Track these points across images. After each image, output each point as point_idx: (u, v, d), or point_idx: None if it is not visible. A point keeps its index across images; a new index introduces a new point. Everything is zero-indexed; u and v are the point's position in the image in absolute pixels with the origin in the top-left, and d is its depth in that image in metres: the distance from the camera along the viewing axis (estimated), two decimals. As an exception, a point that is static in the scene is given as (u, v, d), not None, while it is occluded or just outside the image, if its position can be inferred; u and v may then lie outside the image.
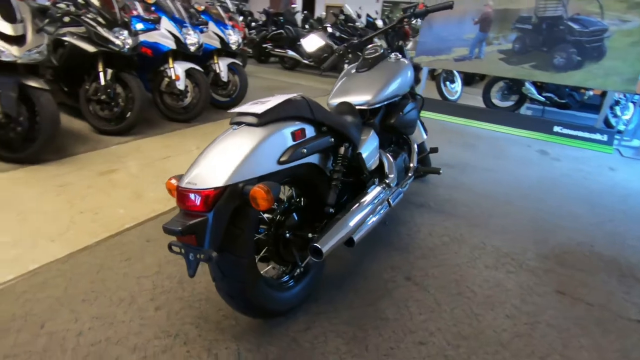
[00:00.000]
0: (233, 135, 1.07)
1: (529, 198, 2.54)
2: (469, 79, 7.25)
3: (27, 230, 1.78)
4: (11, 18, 2.27)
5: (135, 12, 3.78)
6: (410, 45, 5.51)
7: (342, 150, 1.37)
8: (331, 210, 1.32)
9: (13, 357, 1.14)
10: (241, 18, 8.11)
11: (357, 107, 1.66)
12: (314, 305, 1.44)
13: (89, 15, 2.88)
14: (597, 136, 3.96)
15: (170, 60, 3.38)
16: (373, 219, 1.49)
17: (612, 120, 4.47)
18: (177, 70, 3.39)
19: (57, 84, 3.19)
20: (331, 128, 1.31)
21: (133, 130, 3.18)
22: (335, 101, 1.71)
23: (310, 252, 1.18)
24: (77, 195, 2.13)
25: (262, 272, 1.24)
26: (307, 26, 8.79)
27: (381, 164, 1.69)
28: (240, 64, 4.24)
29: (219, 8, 4.27)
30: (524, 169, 3.11)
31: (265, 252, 1.27)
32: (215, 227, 0.97)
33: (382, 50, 1.91)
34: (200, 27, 3.91)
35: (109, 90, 2.95)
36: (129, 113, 3.06)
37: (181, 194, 0.98)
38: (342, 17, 7.31)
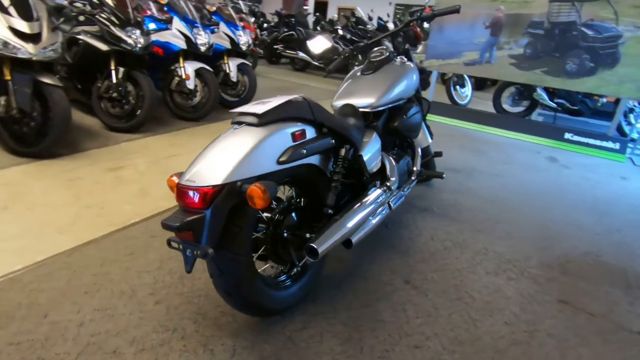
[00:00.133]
0: (233, 135, 1.09)
1: (535, 205, 2.50)
2: (481, 84, 7.18)
3: (36, 222, 1.83)
4: (28, 16, 2.34)
5: (149, 12, 3.86)
6: (420, 48, 5.49)
7: (342, 152, 1.38)
8: (330, 211, 1.33)
9: (16, 345, 1.17)
10: (253, 19, 8.18)
11: (360, 110, 1.67)
12: (311, 305, 1.45)
13: (103, 15, 2.95)
14: (610, 144, 3.89)
15: (181, 60, 3.44)
16: (373, 221, 1.49)
17: (626, 128, 4.38)
18: (187, 69, 3.44)
19: (71, 81, 3.28)
20: (332, 130, 1.32)
21: (142, 128, 3.24)
22: (339, 103, 1.72)
23: (306, 251, 1.19)
24: (85, 190, 2.18)
25: (259, 271, 1.25)
26: (318, 28, 8.83)
27: (383, 166, 1.70)
28: (250, 64, 4.28)
29: (230, 9, 4.33)
30: (531, 175, 3.07)
31: (263, 251, 1.29)
32: (212, 224, 0.99)
33: (387, 53, 1.92)
34: (212, 27, 3.96)
35: (120, 88, 3.01)
36: (139, 111, 3.11)
37: (180, 191, 1.00)
38: (353, 19, 7.32)
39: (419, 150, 2.10)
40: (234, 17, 4.20)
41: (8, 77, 2.30)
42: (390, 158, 1.76)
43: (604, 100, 4.66)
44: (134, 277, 1.51)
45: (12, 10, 2.29)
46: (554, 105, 4.65)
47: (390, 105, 1.79)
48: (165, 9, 3.61)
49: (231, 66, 3.97)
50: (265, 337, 1.29)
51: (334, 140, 1.33)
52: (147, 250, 1.69)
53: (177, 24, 3.50)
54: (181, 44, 3.45)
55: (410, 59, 2.08)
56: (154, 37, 3.32)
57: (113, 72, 2.99)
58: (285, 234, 1.29)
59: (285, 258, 1.33)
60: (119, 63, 3.02)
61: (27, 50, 2.29)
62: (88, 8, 3.02)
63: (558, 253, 1.96)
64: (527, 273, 1.77)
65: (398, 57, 2.00)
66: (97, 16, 2.94)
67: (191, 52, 3.53)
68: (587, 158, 3.74)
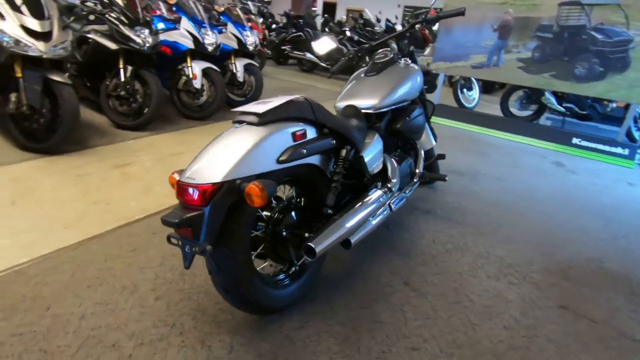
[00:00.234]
0: (234, 133, 1.10)
1: (539, 209, 2.48)
2: (489, 87, 7.14)
3: (44, 216, 1.86)
4: (40, 15, 2.39)
5: (158, 12, 3.91)
6: (428, 50, 5.48)
7: (343, 152, 1.39)
8: (329, 211, 1.33)
9: (19, 336, 1.20)
10: (261, 20, 8.23)
11: (363, 111, 1.68)
12: (310, 304, 1.46)
13: (112, 14, 2.99)
14: (619, 150, 3.84)
15: (188, 59, 3.48)
16: (373, 222, 1.50)
17: (636, 134, 4.33)
18: (195, 69, 3.48)
19: (81, 79, 3.34)
20: (333, 130, 1.33)
21: (149, 126, 3.28)
22: (342, 104, 1.73)
23: (304, 250, 1.20)
24: (92, 186, 2.22)
25: (258, 269, 1.26)
26: (326, 29, 8.85)
27: (385, 168, 1.70)
28: (257, 64, 4.31)
29: (239, 10, 4.36)
30: (536, 179, 3.04)
31: (262, 249, 1.30)
32: (211, 221, 1.00)
33: (391, 55, 1.92)
34: (219, 27, 4.00)
35: (128, 86, 3.06)
36: (146, 109, 3.15)
37: (180, 188, 1.01)
38: (361, 21, 7.33)
39: (422, 152, 2.10)
40: (242, 18, 4.24)
41: (19, 74, 2.34)
42: (392, 159, 1.76)
43: (614, 105, 4.60)
44: (136, 273, 1.54)
45: (24, 9, 2.34)
46: (562, 109, 4.60)
47: (393, 107, 1.79)
48: (174, 9, 3.65)
49: (238, 66, 4.00)
50: (263, 335, 1.30)
51: (334, 141, 1.34)
52: (149, 247, 1.71)
53: (185, 24, 3.54)
54: (189, 43, 3.48)
55: (414, 61, 2.08)
56: (162, 36, 3.36)
57: (121, 71, 3.03)
58: (284, 233, 1.30)
59: (284, 257, 1.34)
60: (128, 62, 3.06)
61: (38, 48, 2.34)
62: (99, 7, 3.07)
63: (561, 258, 1.94)
64: (528, 278, 1.75)
65: (402, 59, 2.00)
66: (106, 15, 2.99)
67: (199, 51, 3.56)
68: (595, 163, 3.70)
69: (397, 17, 11.58)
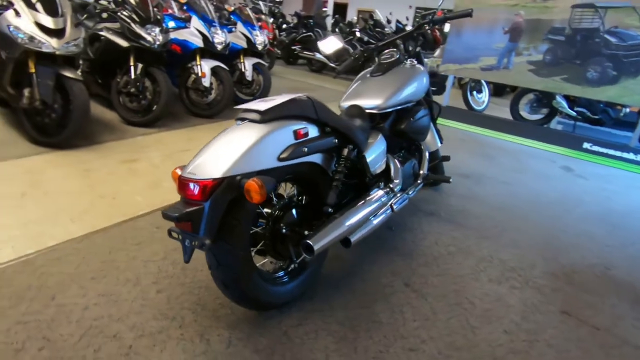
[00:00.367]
0: (235, 130, 1.12)
1: (545, 214, 2.45)
2: (499, 90, 7.06)
3: (51, 209, 1.91)
4: (53, 12, 2.45)
5: (170, 11, 3.96)
6: (437, 52, 5.44)
7: (345, 151, 1.39)
8: (330, 210, 1.34)
9: (24, 324, 1.23)
10: (272, 20, 8.27)
11: (367, 111, 1.68)
12: (309, 302, 1.46)
13: (124, 12, 3.05)
14: (631, 155, 3.76)
15: (198, 58, 3.52)
16: (374, 222, 1.50)
17: (649, 140, 4.23)
18: (204, 67, 3.51)
19: (93, 76, 3.40)
20: (335, 129, 1.33)
21: (158, 123, 3.33)
22: (347, 104, 1.74)
23: (302, 248, 1.21)
24: (100, 180, 2.26)
25: (258, 265, 1.27)
26: (337, 30, 8.84)
27: (388, 168, 1.70)
28: (265, 64, 4.34)
29: (249, 10, 4.40)
30: (544, 184, 3.00)
31: (262, 246, 1.31)
32: (211, 216, 1.02)
33: (398, 56, 1.92)
34: (229, 27, 4.04)
35: (138, 83, 3.11)
36: (155, 106, 3.20)
37: (182, 183, 1.03)
38: (371, 22, 7.32)
39: (427, 153, 2.09)
40: (252, 18, 4.27)
41: (32, 70, 2.40)
42: (396, 160, 1.76)
43: (627, 110, 4.51)
44: (139, 266, 1.56)
45: (38, 6, 2.40)
46: (574, 113, 4.53)
47: (397, 107, 1.79)
48: (185, 8, 3.70)
49: (247, 65, 4.03)
50: (261, 331, 1.31)
51: (337, 140, 1.35)
52: (153, 241, 1.74)
53: (196, 22, 3.58)
54: (198, 42, 3.52)
55: (421, 62, 2.08)
56: (172, 35, 3.40)
57: (132, 68, 3.08)
58: (284, 230, 1.31)
59: (284, 254, 1.35)
60: (138, 59, 3.11)
61: (51, 44, 2.40)
62: (111, 5, 3.13)
63: (565, 263, 1.92)
64: (531, 282, 1.74)
65: (408, 60, 1.99)
66: (118, 13, 3.04)
67: (208, 50, 3.60)
68: (605, 169, 3.63)
69: (407, 19, 11.52)
